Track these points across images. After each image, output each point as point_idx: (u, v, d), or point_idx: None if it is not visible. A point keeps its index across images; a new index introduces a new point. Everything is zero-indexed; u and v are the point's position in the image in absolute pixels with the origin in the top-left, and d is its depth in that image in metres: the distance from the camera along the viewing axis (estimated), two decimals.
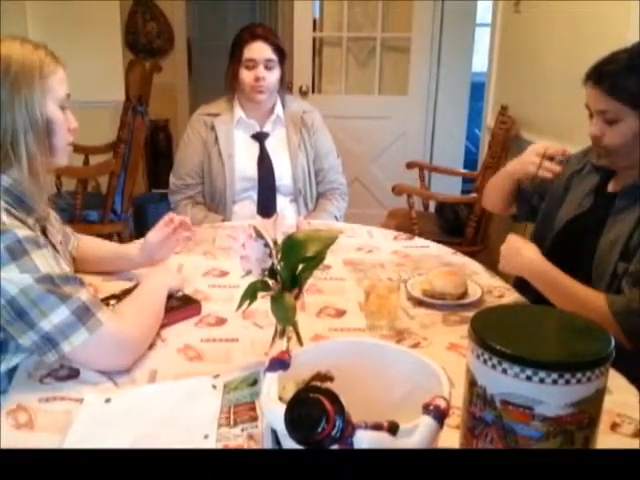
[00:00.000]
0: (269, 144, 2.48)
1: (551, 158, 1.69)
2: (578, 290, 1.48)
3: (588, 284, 1.50)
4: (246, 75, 2.37)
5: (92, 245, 1.69)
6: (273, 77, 2.38)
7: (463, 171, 4.19)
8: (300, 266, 1.18)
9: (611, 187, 1.62)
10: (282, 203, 2.48)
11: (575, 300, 1.46)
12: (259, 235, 1.16)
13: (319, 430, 0.72)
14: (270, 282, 1.18)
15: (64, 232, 1.57)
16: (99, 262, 1.67)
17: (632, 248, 1.46)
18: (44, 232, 1.34)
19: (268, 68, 2.36)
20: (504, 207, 1.95)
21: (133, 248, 1.71)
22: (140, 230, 3.81)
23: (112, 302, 1.45)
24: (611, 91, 1.45)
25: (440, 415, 0.80)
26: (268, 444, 0.85)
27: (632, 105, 1.44)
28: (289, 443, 0.76)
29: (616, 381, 1.18)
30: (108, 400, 1.14)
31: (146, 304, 1.38)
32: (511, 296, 1.64)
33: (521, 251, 1.58)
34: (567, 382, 0.77)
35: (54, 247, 1.34)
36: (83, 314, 1.17)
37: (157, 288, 1.45)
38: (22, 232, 1.16)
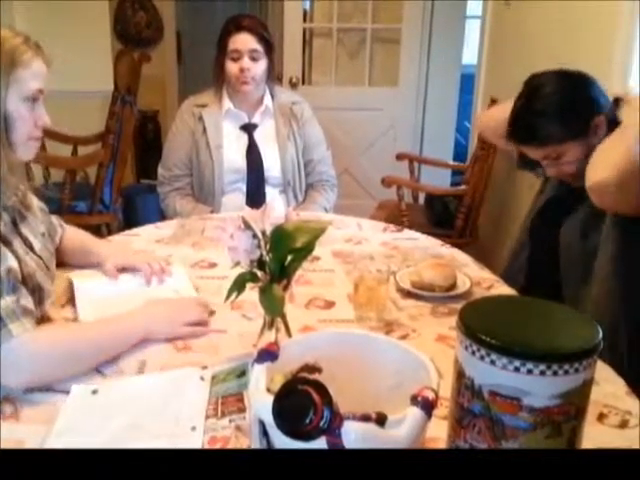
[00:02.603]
0: (258, 135, 2.47)
1: None
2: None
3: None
4: (231, 66, 2.36)
5: (70, 236, 1.64)
6: (259, 68, 2.37)
7: (452, 163, 4.20)
8: (289, 257, 1.18)
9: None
10: (271, 194, 2.47)
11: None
12: (247, 226, 1.16)
13: (307, 421, 0.72)
14: (259, 273, 1.18)
15: (50, 223, 1.53)
16: (73, 255, 1.62)
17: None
18: (14, 222, 1.29)
19: (253, 59, 2.35)
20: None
21: (105, 248, 1.67)
22: (129, 221, 3.80)
23: None
24: (537, 143, 1.55)
25: (428, 406, 0.80)
26: (256, 435, 0.85)
27: (564, 139, 1.52)
28: (277, 434, 0.76)
29: (603, 372, 1.19)
30: (95, 391, 1.13)
31: (98, 338, 1.25)
32: (500, 288, 1.64)
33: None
34: (555, 373, 0.77)
35: (24, 240, 1.30)
36: None
37: (129, 332, 1.29)
38: None
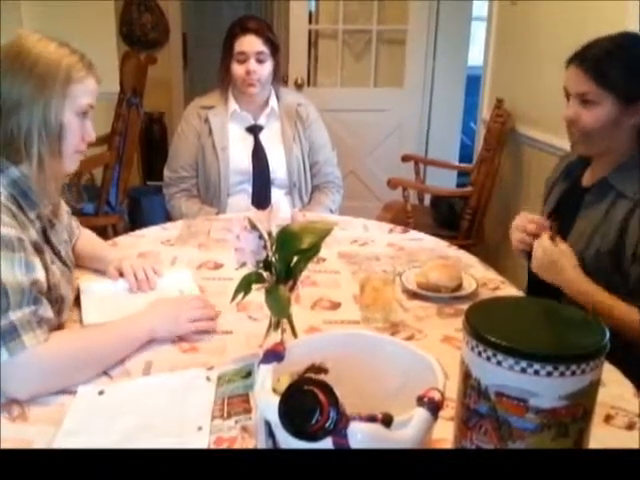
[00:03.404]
0: (263, 137, 2.47)
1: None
2: (613, 307, 1.42)
3: None
4: (238, 68, 2.36)
5: (84, 241, 1.66)
6: (265, 70, 2.37)
7: (458, 164, 4.19)
8: (295, 258, 1.18)
9: (584, 181, 1.64)
10: (277, 196, 2.47)
11: (611, 317, 1.40)
12: (253, 227, 1.16)
13: (313, 422, 0.72)
14: (264, 274, 1.18)
15: (71, 227, 1.56)
16: (83, 259, 1.64)
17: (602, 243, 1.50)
18: (44, 231, 1.32)
19: (259, 61, 2.35)
20: None
21: (112, 254, 1.68)
22: (135, 222, 3.81)
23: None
24: (593, 73, 1.47)
25: (434, 407, 0.79)
26: (262, 436, 0.85)
27: (611, 90, 1.46)
28: (283, 435, 0.76)
29: (610, 374, 1.18)
30: (102, 392, 1.14)
31: (105, 343, 1.26)
32: (506, 289, 1.64)
33: (558, 268, 1.49)
34: (562, 374, 0.77)
35: (52, 248, 1.33)
36: (7, 334, 1.09)
37: (134, 335, 1.30)
38: (3, 230, 1.13)
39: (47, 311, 1.19)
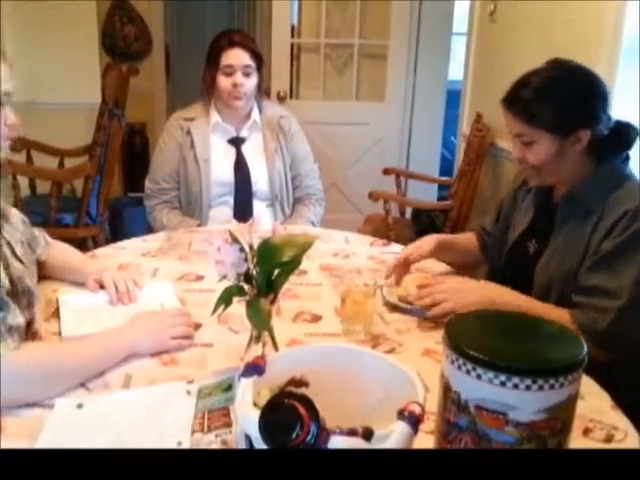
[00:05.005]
0: (245, 149, 2.47)
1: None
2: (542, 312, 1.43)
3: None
4: (224, 81, 2.36)
5: (60, 253, 1.65)
6: (251, 83, 2.38)
7: (439, 178, 4.22)
8: (276, 271, 1.18)
9: (555, 197, 1.64)
10: (258, 208, 2.47)
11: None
12: (235, 239, 1.16)
13: (293, 436, 0.72)
14: (246, 287, 1.18)
15: (32, 235, 1.54)
16: (63, 271, 1.63)
17: (574, 260, 1.50)
18: None
19: (246, 74, 2.36)
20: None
21: (90, 265, 1.67)
22: (115, 234, 3.78)
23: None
24: (522, 116, 1.49)
25: (415, 421, 0.80)
26: None
27: (544, 129, 1.48)
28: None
29: (588, 387, 1.19)
30: (80, 406, 1.12)
31: (83, 356, 1.23)
32: None
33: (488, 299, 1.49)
34: (540, 388, 0.78)
35: (8, 244, 1.31)
36: None
37: (115, 349, 1.27)
38: None
39: (16, 318, 1.17)
